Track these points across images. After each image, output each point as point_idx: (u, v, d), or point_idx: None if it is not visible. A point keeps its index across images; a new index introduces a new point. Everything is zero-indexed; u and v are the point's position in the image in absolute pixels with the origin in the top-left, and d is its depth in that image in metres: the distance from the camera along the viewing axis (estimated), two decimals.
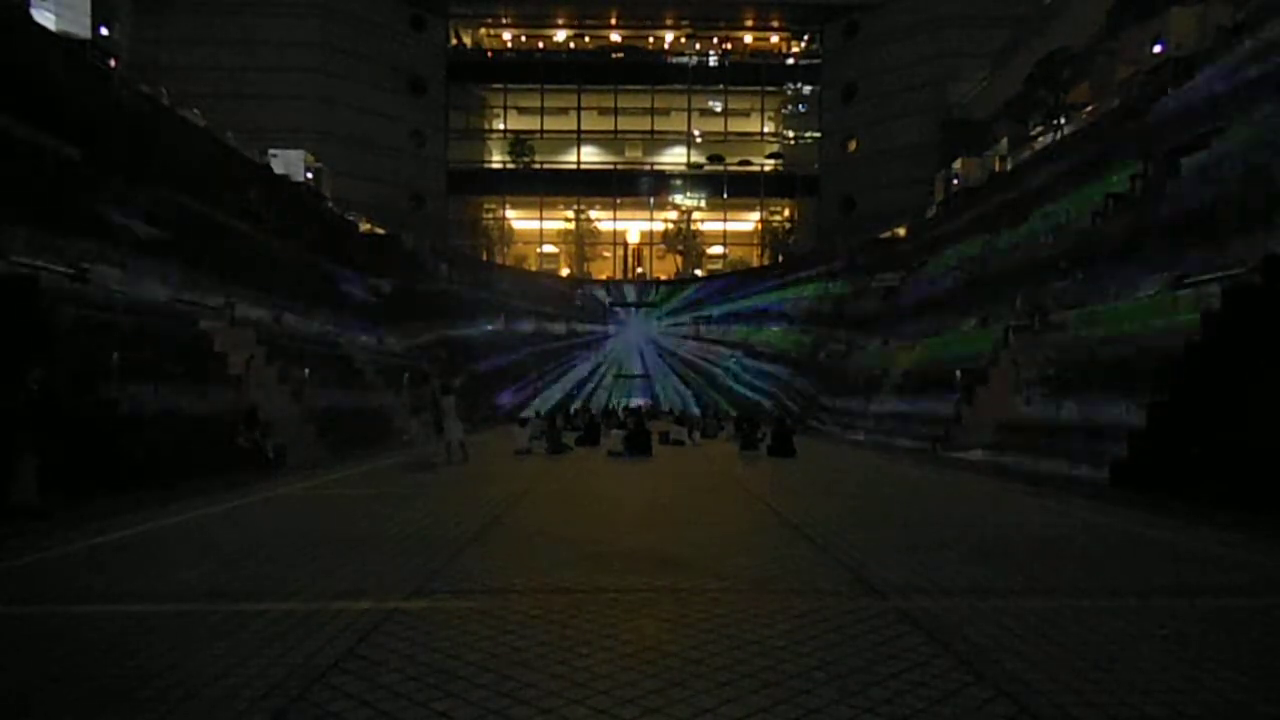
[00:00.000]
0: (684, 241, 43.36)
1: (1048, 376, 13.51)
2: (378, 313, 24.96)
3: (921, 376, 19.41)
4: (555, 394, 37.15)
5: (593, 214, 44.02)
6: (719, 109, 44.50)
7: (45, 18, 15.42)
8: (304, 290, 19.95)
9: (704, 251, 44.07)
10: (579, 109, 43.47)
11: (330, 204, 27.05)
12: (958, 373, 17.45)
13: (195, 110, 20.89)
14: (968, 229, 23.11)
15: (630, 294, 40.72)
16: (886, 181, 36.44)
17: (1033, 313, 15.73)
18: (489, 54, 44.29)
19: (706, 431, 21.91)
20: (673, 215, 43.94)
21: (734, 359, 37.89)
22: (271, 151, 24.13)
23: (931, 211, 28.11)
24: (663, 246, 43.76)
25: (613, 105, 43.68)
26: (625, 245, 44.38)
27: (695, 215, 43.93)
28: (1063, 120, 23.00)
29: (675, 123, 44.09)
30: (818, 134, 42.56)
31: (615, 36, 44.80)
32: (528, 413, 24.02)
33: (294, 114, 33.74)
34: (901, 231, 30.33)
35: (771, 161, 43.81)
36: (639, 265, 44.28)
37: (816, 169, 42.03)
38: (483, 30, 44.52)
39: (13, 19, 13.60)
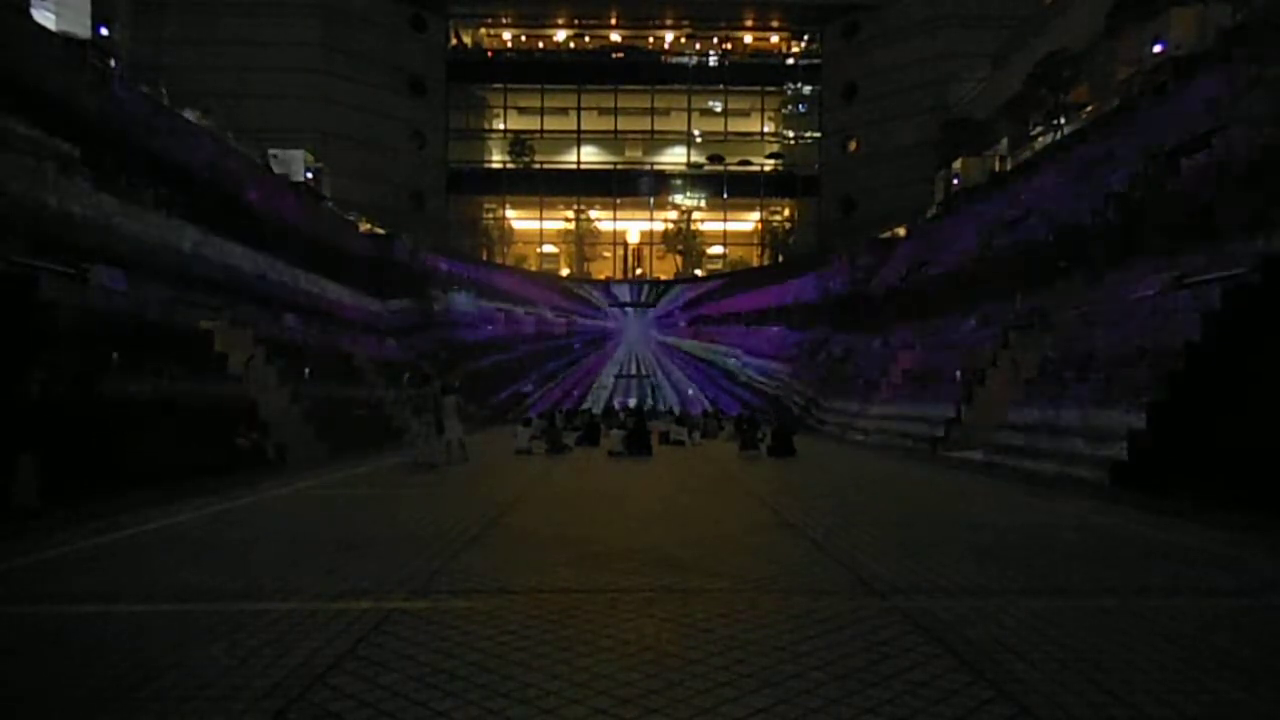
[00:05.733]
0: (684, 241, 43.30)
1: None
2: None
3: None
4: (555, 393, 37.15)
5: (593, 214, 43.95)
6: (719, 109, 44.41)
7: (45, 18, 15.40)
8: None
9: (704, 251, 43.97)
10: (579, 109, 43.39)
11: (330, 204, 27.04)
12: (958, 372, 17.44)
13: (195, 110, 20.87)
14: None
15: (630, 294, 40.67)
16: (886, 181, 36.35)
17: (1031, 313, 15.71)
18: (489, 54, 44.21)
19: (706, 431, 21.89)
20: (672, 215, 43.86)
21: (734, 359, 37.88)
22: (271, 151, 24.12)
23: (931, 212, 28.10)
24: (663, 246, 43.66)
25: (613, 105, 43.58)
26: (625, 245, 44.30)
27: (695, 215, 43.84)
28: (1063, 120, 22.99)
29: (675, 123, 44.01)
30: (818, 134, 42.48)
31: (615, 36, 44.71)
32: (528, 412, 24.01)
33: (294, 114, 33.63)
34: (901, 231, 30.32)
35: (771, 161, 43.73)
36: (639, 265, 44.20)
37: (816, 169, 41.96)
38: (483, 30, 44.44)
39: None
